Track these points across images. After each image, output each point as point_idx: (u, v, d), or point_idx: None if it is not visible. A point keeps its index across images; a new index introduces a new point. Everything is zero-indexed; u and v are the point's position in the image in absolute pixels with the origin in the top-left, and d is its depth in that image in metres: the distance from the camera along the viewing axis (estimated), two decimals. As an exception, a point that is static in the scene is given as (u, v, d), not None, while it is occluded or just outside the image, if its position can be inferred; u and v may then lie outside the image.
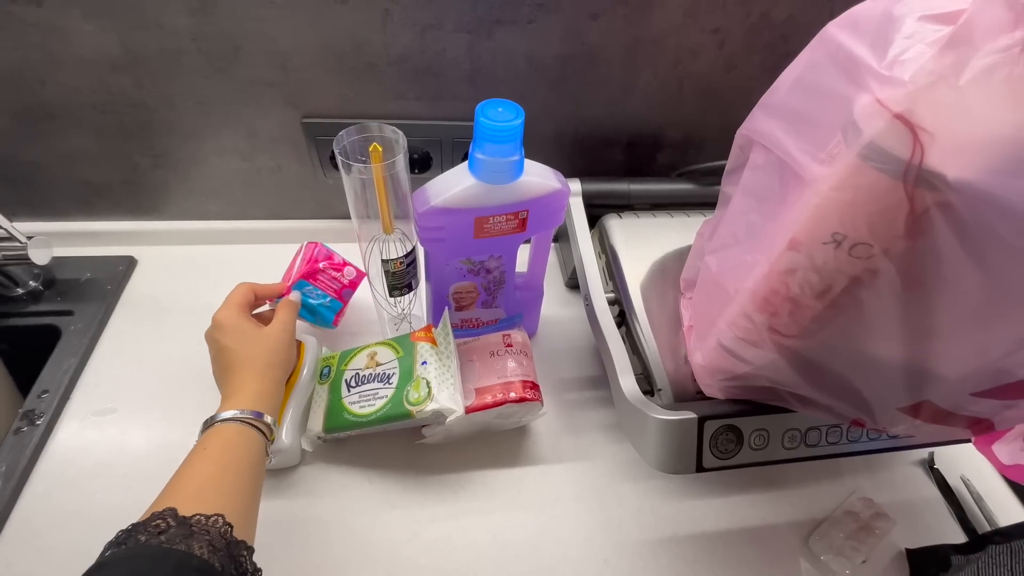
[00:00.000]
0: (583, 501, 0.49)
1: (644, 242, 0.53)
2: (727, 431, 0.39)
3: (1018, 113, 0.19)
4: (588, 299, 0.50)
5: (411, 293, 0.50)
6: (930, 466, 0.53)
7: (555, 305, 0.63)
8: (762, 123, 0.33)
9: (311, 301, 0.52)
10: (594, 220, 0.56)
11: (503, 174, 0.38)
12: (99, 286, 0.58)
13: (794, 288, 0.29)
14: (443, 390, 0.44)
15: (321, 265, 0.53)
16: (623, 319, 0.50)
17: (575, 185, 0.56)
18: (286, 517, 0.45)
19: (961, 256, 0.23)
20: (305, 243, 0.55)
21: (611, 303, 0.50)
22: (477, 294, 0.49)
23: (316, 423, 0.48)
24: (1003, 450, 0.34)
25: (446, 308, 0.48)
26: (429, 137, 0.57)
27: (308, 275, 0.52)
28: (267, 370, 0.43)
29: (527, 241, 0.47)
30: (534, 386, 0.48)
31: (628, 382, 0.44)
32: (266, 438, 0.39)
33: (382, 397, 0.46)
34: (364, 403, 0.46)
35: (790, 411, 0.40)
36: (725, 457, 0.39)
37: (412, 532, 0.45)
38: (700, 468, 0.39)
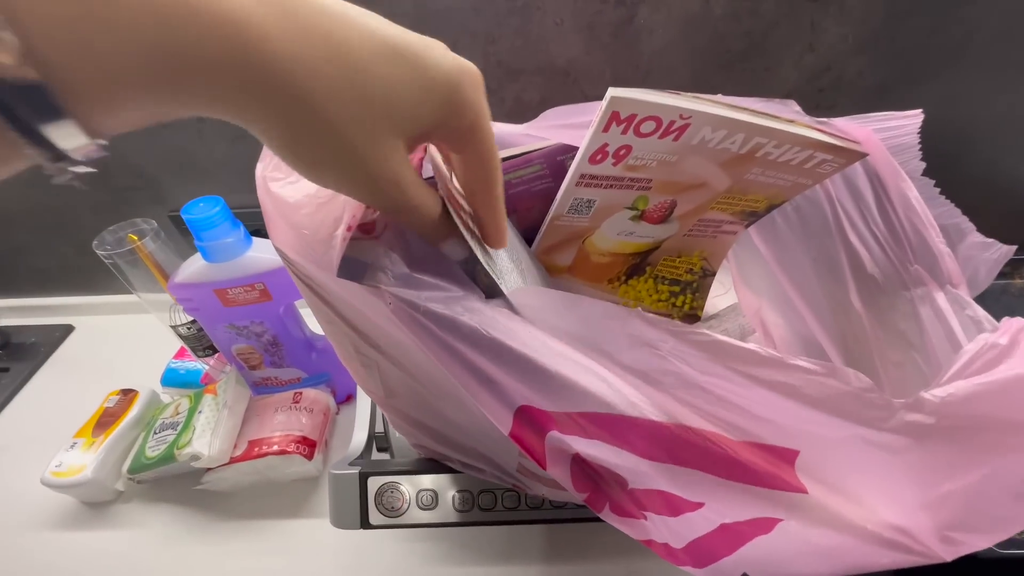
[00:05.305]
0: (342, 555, 0.51)
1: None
2: (392, 489, 0.40)
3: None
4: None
5: (217, 353, 0.58)
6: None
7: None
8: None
9: (181, 375, 0.63)
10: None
11: (222, 253, 0.46)
12: (37, 348, 0.74)
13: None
14: (202, 436, 0.50)
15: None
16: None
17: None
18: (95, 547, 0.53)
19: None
20: None
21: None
22: (260, 355, 0.56)
23: (126, 465, 0.56)
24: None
25: (233, 366, 0.55)
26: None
27: (177, 357, 0.64)
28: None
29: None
30: (303, 440, 0.53)
31: (359, 438, 0.48)
32: None
33: (166, 442, 0.53)
34: (156, 447, 0.54)
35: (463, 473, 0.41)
36: (392, 515, 0.40)
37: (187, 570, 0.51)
38: (366, 524, 0.40)
